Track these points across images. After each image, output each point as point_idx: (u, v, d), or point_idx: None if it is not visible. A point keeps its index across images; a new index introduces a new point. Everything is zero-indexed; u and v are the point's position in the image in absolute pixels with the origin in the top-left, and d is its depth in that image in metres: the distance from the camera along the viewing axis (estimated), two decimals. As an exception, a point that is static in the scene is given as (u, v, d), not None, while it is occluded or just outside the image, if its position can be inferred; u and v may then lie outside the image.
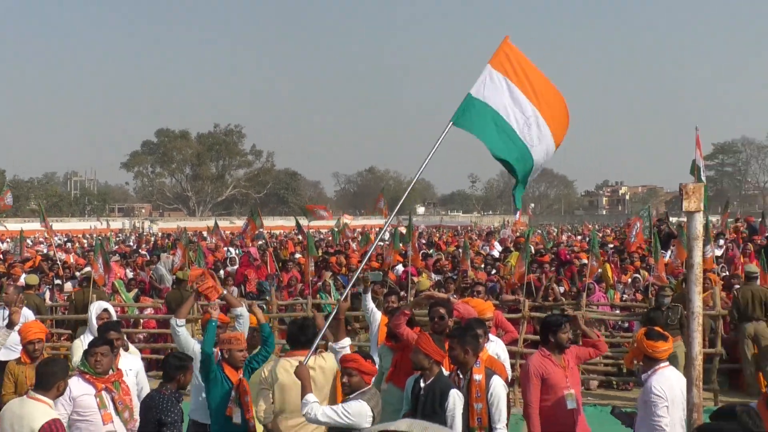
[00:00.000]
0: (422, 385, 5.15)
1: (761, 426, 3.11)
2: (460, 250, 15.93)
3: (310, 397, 4.90)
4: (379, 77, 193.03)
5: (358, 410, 4.82)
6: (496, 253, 19.69)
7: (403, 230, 16.47)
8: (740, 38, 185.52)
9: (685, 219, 4.29)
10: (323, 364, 5.64)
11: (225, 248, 22.35)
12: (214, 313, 6.18)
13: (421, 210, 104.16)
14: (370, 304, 7.77)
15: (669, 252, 15.40)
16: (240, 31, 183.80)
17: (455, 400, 5.01)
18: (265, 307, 11.50)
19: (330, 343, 6.05)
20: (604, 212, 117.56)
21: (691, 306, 4.06)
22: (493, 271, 15.49)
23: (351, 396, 4.93)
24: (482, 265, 16.27)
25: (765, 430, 3.18)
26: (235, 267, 16.99)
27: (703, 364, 10.10)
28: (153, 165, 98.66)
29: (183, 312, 6.22)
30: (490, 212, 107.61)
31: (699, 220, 4.15)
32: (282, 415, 5.53)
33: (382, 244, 17.52)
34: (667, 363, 5.30)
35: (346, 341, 6.02)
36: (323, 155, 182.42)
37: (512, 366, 7.97)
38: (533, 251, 14.23)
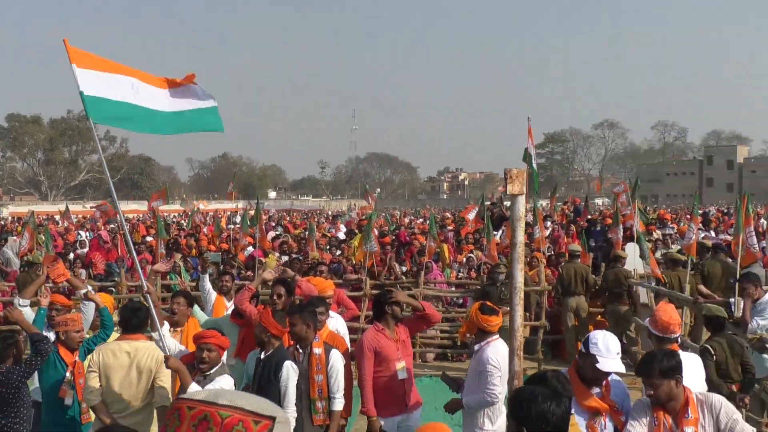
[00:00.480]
0: (261, 357, 5.29)
1: (569, 388, 3.40)
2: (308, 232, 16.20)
3: (194, 387, 4.73)
4: (231, 66, 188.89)
5: (230, 385, 4.94)
6: (341, 235, 20.07)
7: (253, 213, 16.64)
8: (568, 35, 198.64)
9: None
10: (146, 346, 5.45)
11: (76, 231, 21.96)
12: (44, 301, 6.24)
13: (272, 195, 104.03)
14: (207, 285, 7.87)
15: (500, 233, 16.35)
16: (103, 19, 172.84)
17: (289, 371, 5.16)
18: (114, 289, 11.43)
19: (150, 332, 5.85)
20: (445, 197, 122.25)
21: (513, 281, 4.35)
22: (338, 252, 15.82)
23: (212, 372, 4.97)
24: (327, 247, 16.56)
25: (572, 393, 3.50)
26: (85, 250, 16.68)
27: (529, 336, 11.01)
28: (3, 149, 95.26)
29: (29, 292, 6.28)
30: (339, 197, 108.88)
31: (521, 203, 4.40)
32: (108, 399, 5.30)
33: (232, 227, 17.60)
34: (498, 336, 5.60)
35: (165, 327, 5.87)
36: (177, 141, 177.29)
37: (354, 341, 8.21)
38: (376, 233, 14.61)
